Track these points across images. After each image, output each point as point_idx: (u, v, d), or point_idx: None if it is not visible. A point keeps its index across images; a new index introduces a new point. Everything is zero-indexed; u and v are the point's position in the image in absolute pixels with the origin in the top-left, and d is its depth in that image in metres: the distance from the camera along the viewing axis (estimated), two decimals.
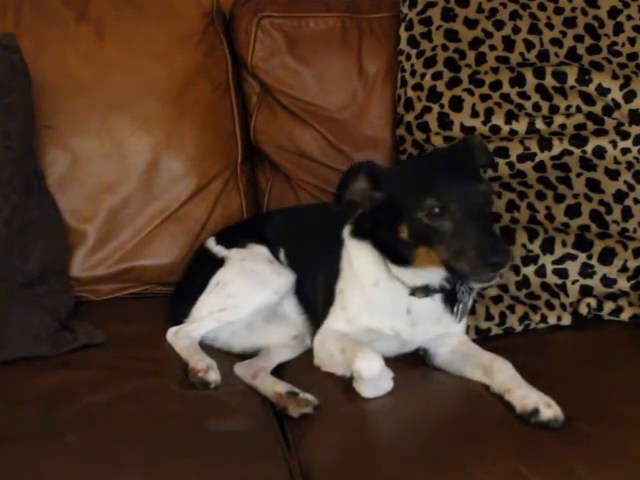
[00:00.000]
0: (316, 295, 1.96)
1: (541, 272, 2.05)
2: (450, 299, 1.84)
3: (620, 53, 2.26)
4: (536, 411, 1.59)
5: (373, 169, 1.78)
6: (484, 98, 2.19)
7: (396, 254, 1.78)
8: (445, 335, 1.87)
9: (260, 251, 2.05)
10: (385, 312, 1.85)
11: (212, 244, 2.11)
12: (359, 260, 1.87)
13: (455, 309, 1.84)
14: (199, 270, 2.07)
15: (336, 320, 1.87)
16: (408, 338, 1.86)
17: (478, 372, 1.78)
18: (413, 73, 2.26)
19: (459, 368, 1.83)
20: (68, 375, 1.79)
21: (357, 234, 1.88)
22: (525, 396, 1.62)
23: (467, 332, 1.97)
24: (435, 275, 1.78)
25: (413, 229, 1.72)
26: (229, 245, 2.07)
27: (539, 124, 2.17)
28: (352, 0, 2.43)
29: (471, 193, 1.70)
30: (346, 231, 1.91)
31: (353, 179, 1.77)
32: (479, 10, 2.27)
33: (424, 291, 1.80)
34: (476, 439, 1.56)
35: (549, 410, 1.59)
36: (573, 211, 2.09)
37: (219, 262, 2.02)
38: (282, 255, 2.06)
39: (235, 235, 2.13)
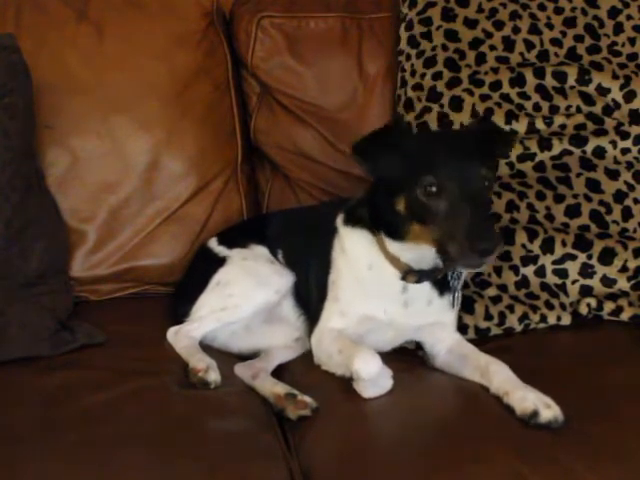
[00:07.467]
0: (311, 293, 1.96)
1: (541, 272, 2.05)
2: (440, 283, 1.84)
3: (620, 53, 2.26)
4: (535, 413, 1.58)
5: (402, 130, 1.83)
6: (484, 98, 2.19)
7: (391, 226, 1.78)
8: (437, 326, 1.87)
9: (261, 251, 2.06)
10: (379, 293, 1.84)
11: (214, 244, 2.12)
12: (353, 245, 1.87)
13: (451, 297, 1.84)
14: (200, 269, 2.07)
15: (330, 315, 1.87)
16: (402, 322, 1.85)
17: (476, 374, 1.78)
18: (413, 73, 2.26)
19: (458, 370, 1.83)
20: (68, 375, 1.79)
21: (350, 221, 1.89)
22: (524, 398, 1.62)
23: (467, 332, 1.97)
24: (427, 251, 1.74)
25: (410, 204, 1.71)
26: (231, 245, 2.07)
27: (539, 124, 2.17)
28: (352, 0, 2.43)
29: (470, 176, 1.68)
30: (339, 219, 1.92)
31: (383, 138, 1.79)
32: (479, 10, 2.27)
33: (416, 275, 1.80)
34: (476, 439, 1.56)
35: (548, 411, 1.58)
36: (573, 211, 2.09)
37: (220, 261, 2.02)
38: (280, 256, 2.06)
39: (237, 235, 2.14)
